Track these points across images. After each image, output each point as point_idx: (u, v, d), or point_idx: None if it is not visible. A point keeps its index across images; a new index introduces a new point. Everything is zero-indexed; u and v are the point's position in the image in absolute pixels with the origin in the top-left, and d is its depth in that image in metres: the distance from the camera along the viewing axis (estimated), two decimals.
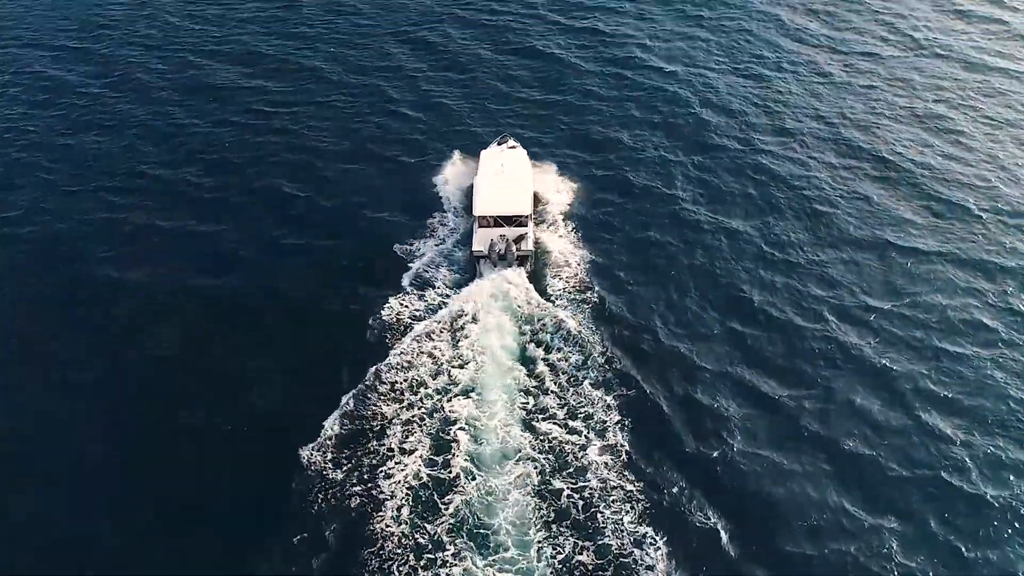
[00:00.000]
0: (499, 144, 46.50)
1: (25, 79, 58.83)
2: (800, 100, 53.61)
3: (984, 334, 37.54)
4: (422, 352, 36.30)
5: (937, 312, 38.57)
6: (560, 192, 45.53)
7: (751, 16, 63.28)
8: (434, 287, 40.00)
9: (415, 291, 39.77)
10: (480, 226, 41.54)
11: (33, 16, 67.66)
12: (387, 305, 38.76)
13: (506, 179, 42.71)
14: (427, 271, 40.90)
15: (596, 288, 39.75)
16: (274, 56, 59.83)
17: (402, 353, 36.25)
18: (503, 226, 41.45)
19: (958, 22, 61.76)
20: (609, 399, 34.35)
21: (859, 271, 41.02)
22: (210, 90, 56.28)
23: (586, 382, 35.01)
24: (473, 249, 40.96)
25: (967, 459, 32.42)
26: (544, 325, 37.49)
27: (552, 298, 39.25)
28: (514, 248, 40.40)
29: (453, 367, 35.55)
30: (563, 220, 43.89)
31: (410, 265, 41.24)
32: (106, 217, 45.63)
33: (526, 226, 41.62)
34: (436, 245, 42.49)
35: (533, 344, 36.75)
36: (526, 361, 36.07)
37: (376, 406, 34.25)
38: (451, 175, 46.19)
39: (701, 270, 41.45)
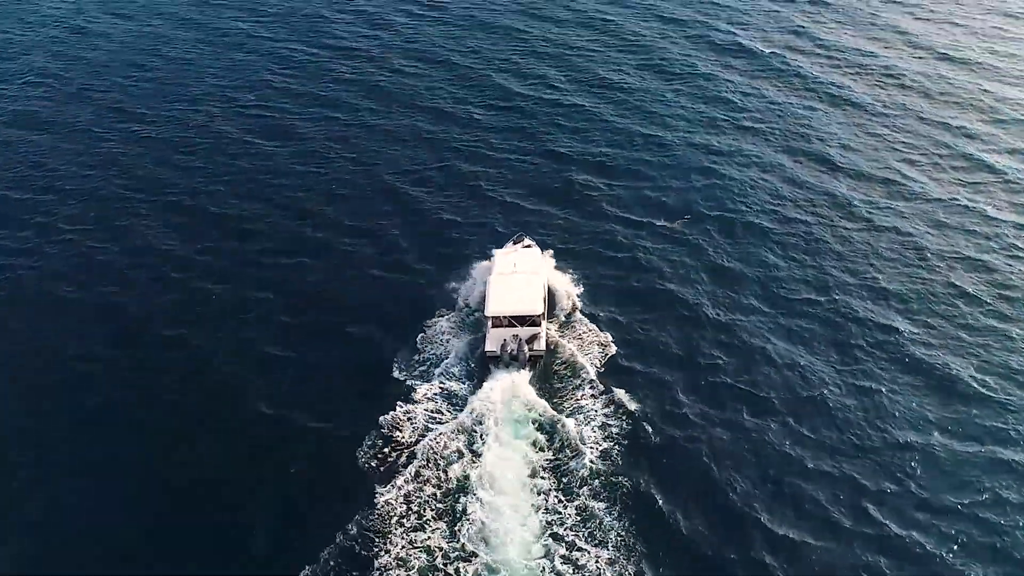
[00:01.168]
0: (514, 243, 46.76)
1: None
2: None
3: None
4: (426, 484, 35.31)
5: None
6: (574, 291, 45.35)
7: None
8: (446, 389, 39.70)
9: (426, 394, 39.43)
10: (493, 326, 41.42)
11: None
12: (396, 410, 38.40)
13: (519, 279, 42.75)
14: (439, 372, 40.64)
15: (610, 392, 39.11)
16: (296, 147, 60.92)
17: (405, 480, 35.45)
18: (516, 326, 41.28)
19: None
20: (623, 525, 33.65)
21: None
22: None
23: (599, 501, 34.38)
24: (486, 349, 40.75)
25: None
26: (555, 438, 36.93)
27: (561, 404, 38.77)
28: (526, 348, 40.18)
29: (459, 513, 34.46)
30: (578, 320, 43.63)
31: (422, 366, 41.08)
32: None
33: (539, 326, 41.42)
34: (448, 345, 42.34)
35: (541, 455, 36.24)
36: (537, 477, 35.52)
37: (379, 533, 33.51)
38: (464, 274, 46.35)
39: (718, 373, 40.80)
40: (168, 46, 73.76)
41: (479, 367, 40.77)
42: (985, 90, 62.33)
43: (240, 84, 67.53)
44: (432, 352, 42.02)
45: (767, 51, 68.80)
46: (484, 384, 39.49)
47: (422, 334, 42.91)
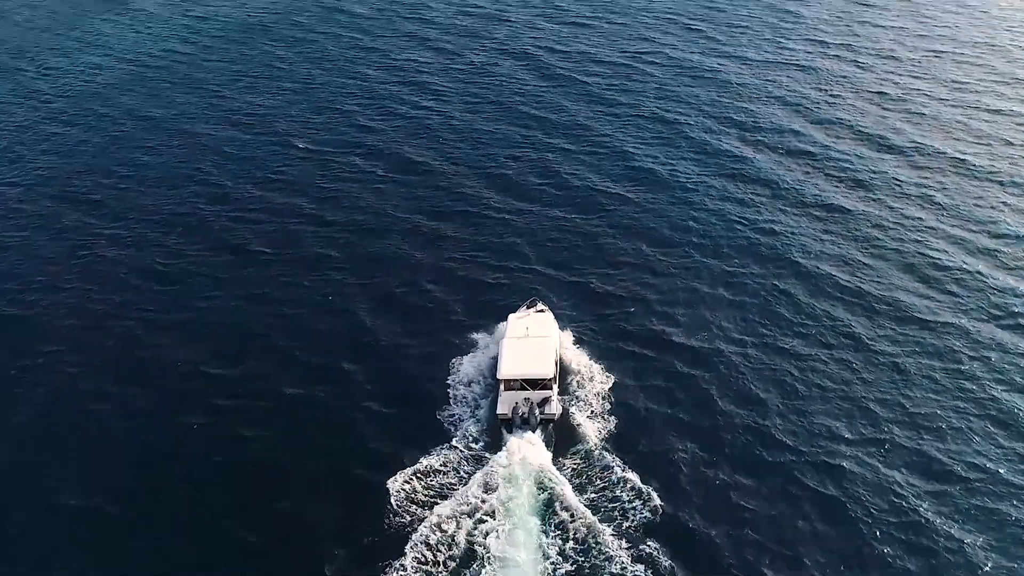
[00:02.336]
0: (527, 308, 47.36)
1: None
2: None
3: None
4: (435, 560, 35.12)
5: None
6: (589, 360, 45.57)
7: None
8: (458, 452, 39.89)
9: (437, 457, 39.67)
10: (505, 389, 41.74)
11: None
12: (405, 474, 38.55)
13: (531, 342, 43.18)
14: (451, 435, 40.91)
15: (617, 464, 38.96)
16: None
17: (411, 547, 35.35)
18: (527, 389, 41.57)
19: None
20: None
21: None
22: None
23: None
24: (498, 412, 40.98)
25: None
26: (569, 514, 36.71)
27: (571, 473, 38.67)
28: (538, 412, 40.42)
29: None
30: (592, 389, 43.68)
31: (433, 428, 41.32)
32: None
33: (551, 389, 41.68)
34: (460, 408, 42.74)
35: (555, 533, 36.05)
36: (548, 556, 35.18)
37: None
38: (477, 339, 46.86)
39: (732, 456, 40.24)
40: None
41: (491, 430, 40.93)
42: None
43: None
44: (443, 415, 42.35)
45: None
46: (496, 449, 39.58)
47: (433, 396, 43.29)
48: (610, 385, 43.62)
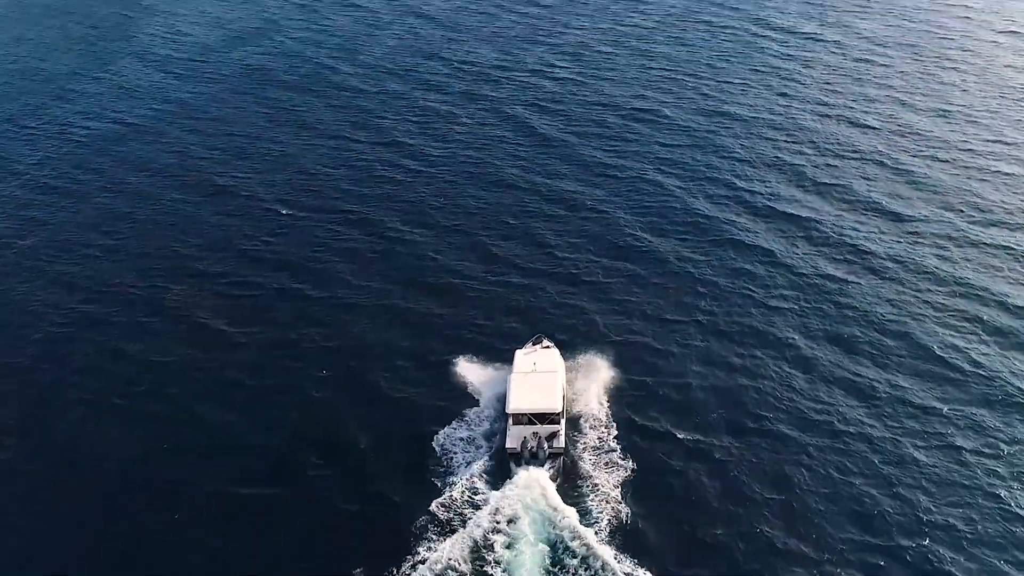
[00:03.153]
0: (534, 344, 48.16)
1: None
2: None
3: None
4: None
5: None
6: (598, 393, 46.26)
7: None
8: (466, 486, 40.33)
9: (445, 492, 40.18)
10: (513, 423, 42.35)
11: None
12: (413, 509, 39.08)
13: (538, 377, 43.87)
14: (458, 471, 41.45)
15: (626, 501, 39.60)
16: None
17: None
18: (535, 424, 42.19)
19: None
20: None
21: None
22: None
23: None
24: (506, 446, 41.48)
25: None
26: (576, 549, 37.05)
27: (582, 507, 39.16)
28: (546, 445, 41.00)
29: None
30: (599, 420, 44.38)
31: (439, 467, 41.95)
32: None
33: (558, 423, 42.31)
34: (468, 443, 43.36)
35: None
36: None
37: None
38: (485, 374, 47.51)
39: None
40: None
41: (499, 464, 41.42)
42: None
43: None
44: (451, 450, 42.90)
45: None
46: (505, 482, 40.02)
47: (441, 431, 43.86)
48: (615, 433, 44.04)
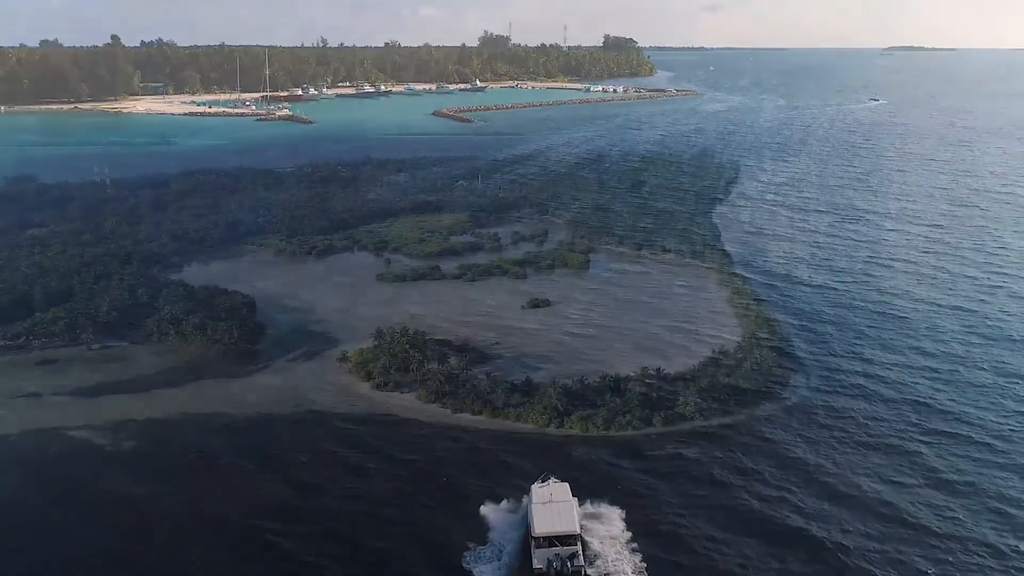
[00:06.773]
0: (542, 482, 54.55)
1: None
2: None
3: None
4: None
5: None
6: (609, 528, 51.60)
7: None
8: None
9: None
10: (537, 547, 48.06)
11: None
12: None
13: (557, 505, 50.20)
14: None
15: None
16: None
17: None
18: (557, 545, 48.00)
19: None
20: None
21: None
22: None
23: None
24: (534, 567, 47.04)
25: None
26: None
27: None
28: (570, 565, 46.72)
29: None
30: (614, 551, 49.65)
31: None
32: None
33: (577, 545, 48.20)
34: (494, 568, 48.34)
35: None
36: None
37: None
38: (500, 507, 52.89)
39: None
40: None
41: None
42: None
43: None
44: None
45: None
46: None
47: (467, 552, 48.92)
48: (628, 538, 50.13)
